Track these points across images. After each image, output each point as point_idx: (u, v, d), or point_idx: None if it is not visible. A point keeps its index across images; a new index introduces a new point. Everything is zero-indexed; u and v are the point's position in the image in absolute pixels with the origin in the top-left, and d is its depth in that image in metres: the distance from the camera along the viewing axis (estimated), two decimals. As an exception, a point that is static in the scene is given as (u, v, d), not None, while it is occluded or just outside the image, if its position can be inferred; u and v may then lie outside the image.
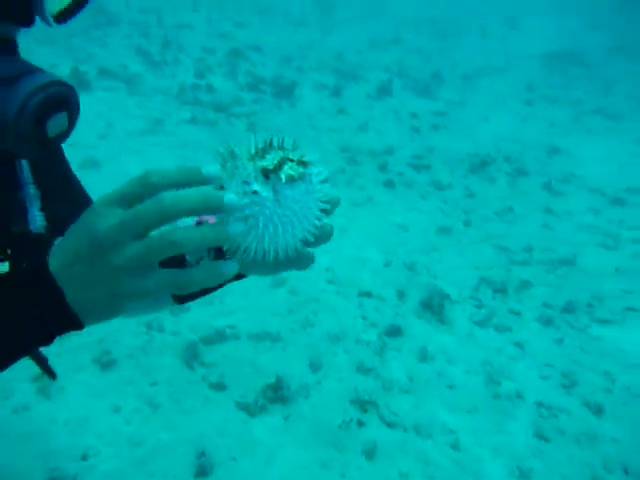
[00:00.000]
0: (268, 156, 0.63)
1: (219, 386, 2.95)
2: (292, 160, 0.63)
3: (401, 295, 3.81)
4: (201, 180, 0.60)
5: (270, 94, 7.68)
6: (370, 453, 2.61)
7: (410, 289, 3.87)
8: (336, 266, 4.18)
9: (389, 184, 5.61)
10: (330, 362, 3.16)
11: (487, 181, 5.84)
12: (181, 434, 2.67)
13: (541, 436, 2.76)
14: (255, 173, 0.61)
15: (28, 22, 0.74)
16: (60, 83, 0.73)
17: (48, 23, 0.77)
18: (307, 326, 3.48)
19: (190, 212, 0.58)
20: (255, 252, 0.63)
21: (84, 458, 2.53)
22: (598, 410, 2.95)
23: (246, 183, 0.61)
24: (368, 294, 3.79)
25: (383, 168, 6.00)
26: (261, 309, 3.58)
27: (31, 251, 0.84)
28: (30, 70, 0.72)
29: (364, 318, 3.53)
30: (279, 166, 0.62)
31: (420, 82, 8.94)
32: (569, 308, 3.77)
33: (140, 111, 6.38)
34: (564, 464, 2.63)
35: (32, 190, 0.87)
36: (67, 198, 0.99)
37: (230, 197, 0.59)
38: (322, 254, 4.35)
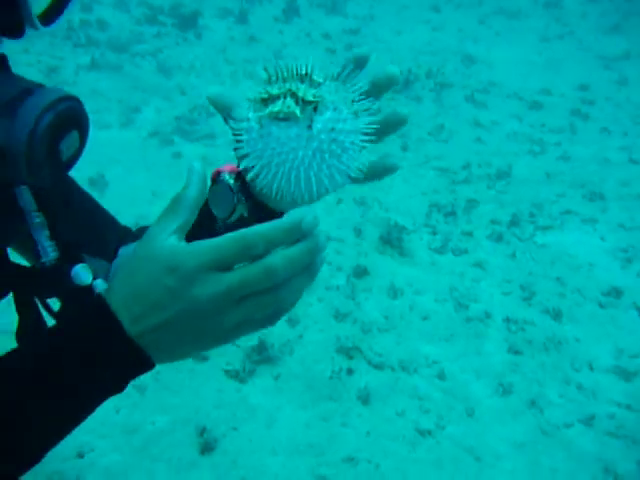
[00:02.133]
0: (279, 85, 0.56)
1: (201, 357, 2.86)
2: (295, 96, 0.54)
3: (358, 233, 3.79)
4: (302, 234, 0.54)
5: (172, 26, 7.03)
6: (365, 399, 2.68)
7: (366, 225, 3.85)
8: (288, 212, 4.07)
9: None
10: (306, 314, 3.14)
11: (414, 100, 5.79)
12: (176, 414, 2.60)
13: (514, 350, 2.94)
14: (255, 98, 0.56)
15: (20, 34, 0.66)
16: (67, 98, 0.65)
17: (35, 27, 0.67)
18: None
19: (296, 274, 0.55)
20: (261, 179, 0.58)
21: (80, 455, 2.42)
22: (557, 315, 3.16)
23: (249, 108, 0.57)
24: (327, 237, 3.74)
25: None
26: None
27: (43, 285, 0.78)
28: (30, 87, 0.64)
29: (329, 263, 3.50)
30: (272, 99, 0.54)
31: (327, -2, 8.52)
32: (514, 221, 3.93)
33: (28, 57, 5.59)
34: (538, 372, 2.84)
35: (37, 219, 0.77)
36: (78, 218, 0.91)
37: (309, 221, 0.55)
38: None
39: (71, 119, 0.67)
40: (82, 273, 0.80)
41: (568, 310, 3.20)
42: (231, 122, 0.60)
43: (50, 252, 0.78)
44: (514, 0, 8.99)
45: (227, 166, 0.74)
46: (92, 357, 0.56)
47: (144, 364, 0.57)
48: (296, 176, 0.56)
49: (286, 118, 0.54)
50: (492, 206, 4.13)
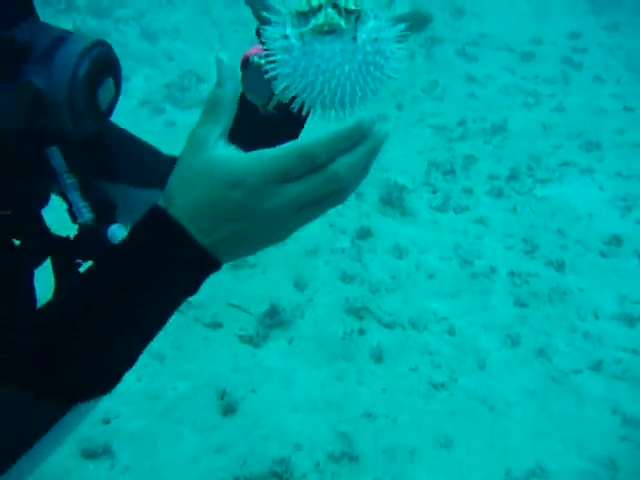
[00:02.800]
0: None
1: (215, 325, 2.89)
2: (336, 7, 0.51)
3: (359, 195, 3.77)
4: (361, 136, 0.54)
5: (153, -13, 6.78)
6: (378, 357, 2.72)
7: (366, 186, 3.83)
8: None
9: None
10: (314, 277, 3.15)
11: (406, 58, 5.68)
12: (195, 380, 2.64)
13: (520, 303, 2.98)
14: (293, 15, 0.53)
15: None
16: (99, 43, 0.64)
17: None
18: (280, 245, 3.40)
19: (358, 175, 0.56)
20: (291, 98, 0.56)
21: (106, 422, 2.46)
22: (560, 266, 3.21)
23: (285, 25, 0.54)
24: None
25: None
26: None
27: (81, 247, 0.79)
28: (62, 35, 0.63)
29: (331, 226, 3.50)
30: (313, 11, 0.51)
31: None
32: (513, 175, 3.93)
33: None
34: (544, 323, 2.89)
35: (69, 180, 0.76)
36: (125, 155, 0.91)
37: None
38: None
39: (106, 65, 0.66)
40: (118, 232, 0.79)
41: (571, 261, 3.24)
42: (265, 37, 0.56)
43: (85, 213, 0.78)
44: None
45: (254, 49, 0.72)
46: (166, 267, 0.57)
47: (216, 266, 0.59)
48: (342, 91, 0.54)
49: (331, 31, 0.51)
50: (490, 161, 4.12)
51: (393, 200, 3.64)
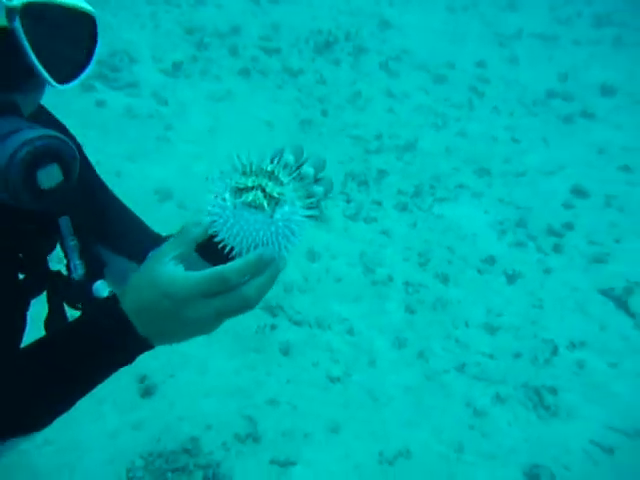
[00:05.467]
0: (253, 179, 0.72)
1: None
2: (264, 191, 0.71)
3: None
4: (266, 266, 0.72)
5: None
6: (285, 351, 3.00)
7: (288, 190, 4.04)
8: (216, 173, 4.15)
9: (245, 73, 5.37)
10: (234, 274, 3.34)
11: (333, 64, 5.88)
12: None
13: (410, 310, 3.37)
14: (232, 186, 0.73)
15: (10, 84, 0.74)
16: (49, 137, 0.73)
17: (52, 85, 0.77)
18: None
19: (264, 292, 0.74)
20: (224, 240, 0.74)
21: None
22: (445, 279, 3.63)
23: (225, 190, 0.74)
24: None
25: (234, 53, 5.67)
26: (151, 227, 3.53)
27: (70, 294, 0.98)
28: (22, 127, 0.73)
29: (255, 226, 3.68)
30: (247, 189, 0.71)
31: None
32: (417, 192, 4.31)
33: None
34: (427, 328, 3.30)
35: (72, 242, 0.96)
36: (115, 228, 1.11)
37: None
38: (199, 161, 4.24)
39: (50, 153, 0.74)
40: (101, 288, 1.00)
41: (454, 275, 3.68)
42: (208, 194, 0.74)
43: (79, 269, 0.97)
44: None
45: None
46: (112, 346, 0.77)
47: (149, 347, 0.79)
48: (255, 246, 0.73)
49: (256, 207, 0.71)
50: (399, 177, 4.48)
51: (313, 207, 3.87)
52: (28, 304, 0.99)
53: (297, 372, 2.92)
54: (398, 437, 2.69)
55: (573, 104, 5.83)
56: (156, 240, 1.13)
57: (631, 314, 3.50)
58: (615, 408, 2.93)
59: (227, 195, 0.71)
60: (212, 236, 0.74)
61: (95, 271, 1.00)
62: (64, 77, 0.79)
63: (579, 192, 4.58)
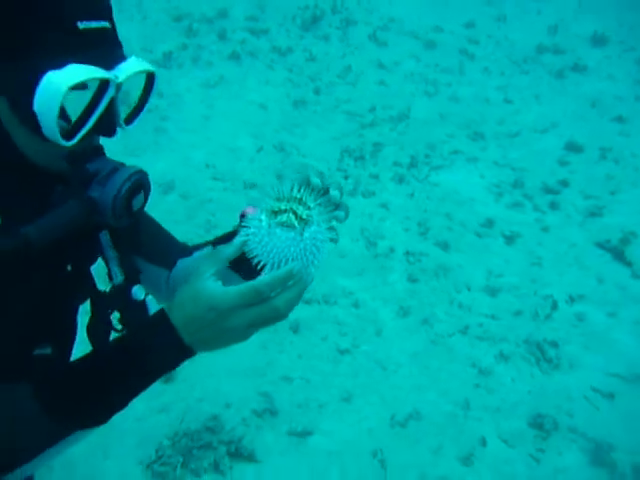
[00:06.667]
0: (285, 203, 0.83)
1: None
2: (296, 213, 0.82)
3: (280, 179, 4.04)
4: (294, 279, 0.80)
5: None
6: (296, 329, 3.10)
7: (286, 171, 4.10)
8: (214, 160, 4.20)
9: (235, 57, 5.35)
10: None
11: (322, 40, 5.83)
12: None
13: (412, 279, 3.45)
14: (268, 209, 0.84)
15: (113, 134, 0.93)
16: (138, 172, 0.93)
17: (122, 127, 0.95)
18: (210, 229, 3.63)
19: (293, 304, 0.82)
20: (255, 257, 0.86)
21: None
22: (445, 246, 3.69)
23: (261, 213, 0.85)
24: (252, 185, 3.96)
25: (223, 37, 5.64)
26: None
27: (112, 300, 1.10)
28: (117, 167, 0.92)
29: (255, 207, 3.75)
30: (280, 212, 0.82)
31: None
32: (413, 163, 4.33)
33: None
34: (430, 296, 3.38)
35: (111, 253, 1.09)
36: (148, 240, 1.25)
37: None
38: (197, 149, 4.29)
39: (140, 185, 0.94)
40: (138, 292, 1.12)
41: (454, 241, 3.73)
42: (246, 220, 0.85)
43: (118, 275, 1.10)
44: None
45: (250, 208, 1.08)
46: (164, 355, 0.86)
47: (192, 354, 0.86)
48: (285, 262, 0.83)
49: (288, 226, 0.81)
50: (394, 148, 4.49)
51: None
52: (77, 310, 1.15)
53: (308, 348, 3.03)
54: (408, 401, 2.80)
55: (564, 57, 5.74)
56: (183, 249, 1.27)
57: (627, 263, 3.55)
58: (614, 356, 3.02)
59: (263, 216, 0.81)
60: (242, 253, 0.86)
61: (132, 277, 1.11)
62: (130, 121, 0.99)
63: (574, 147, 4.57)
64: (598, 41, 5.91)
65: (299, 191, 0.84)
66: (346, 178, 4.12)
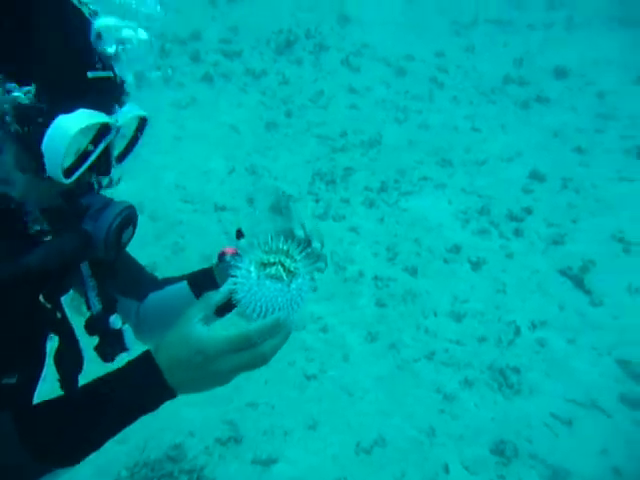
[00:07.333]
0: (273, 255, 0.89)
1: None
2: (284, 266, 0.88)
3: (251, 202, 4.05)
4: (281, 328, 0.86)
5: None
6: (263, 353, 3.08)
7: (257, 194, 4.11)
8: (185, 182, 4.18)
9: (208, 78, 5.38)
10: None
11: (295, 64, 5.91)
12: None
13: (380, 304, 3.48)
14: (257, 260, 0.90)
15: (109, 172, 0.97)
16: (129, 207, 0.98)
17: (113, 166, 0.99)
18: (178, 251, 3.60)
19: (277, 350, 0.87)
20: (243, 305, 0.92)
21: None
22: (413, 271, 3.75)
23: (250, 264, 0.91)
24: (223, 208, 3.96)
25: (196, 58, 5.66)
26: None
27: (89, 328, 1.13)
28: (108, 202, 0.97)
29: (226, 233, 3.75)
30: (269, 264, 0.88)
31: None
32: (383, 188, 4.40)
33: None
34: (397, 321, 3.42)
35: (91, 282, 1.13)
36: (121, 272, 1.28)
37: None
38: (167, 170, 4.27)
39: (129, 220, 0.99)
40: (115, 321, 1.15)
41: (422, 267, 3.79)
42: (234, 269, 0.90)
43: (96, 304, 1.13)
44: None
45: (228, 249, 1.14)
46: (146, 395, 0.88)
47: (174, 396, 0.89)
48: (272, 310, 0.87)
49: (277, 278, 0.86)
50: (365, 173, 4.56)
51: (282, 208, 3.95)
52: (45, 340, 1.14)
53: (275, 374, 3.01)
54: (373, 427, 2.80)
55: (529, 89, 5.96)
56: (154, 281, 1.32)
57: (586, 291, 3.67)
58: (573, 382, 3.10)
59: (252, 268, 0.87)
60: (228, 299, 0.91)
61: (110, 306, 1.15)
62: (121, 159, 1.04)
63: (537, 176, 4.73)
64: (560, 73, 6.16)
65: (285, 243, 0.90)
66: (317, 201, 4.16)
